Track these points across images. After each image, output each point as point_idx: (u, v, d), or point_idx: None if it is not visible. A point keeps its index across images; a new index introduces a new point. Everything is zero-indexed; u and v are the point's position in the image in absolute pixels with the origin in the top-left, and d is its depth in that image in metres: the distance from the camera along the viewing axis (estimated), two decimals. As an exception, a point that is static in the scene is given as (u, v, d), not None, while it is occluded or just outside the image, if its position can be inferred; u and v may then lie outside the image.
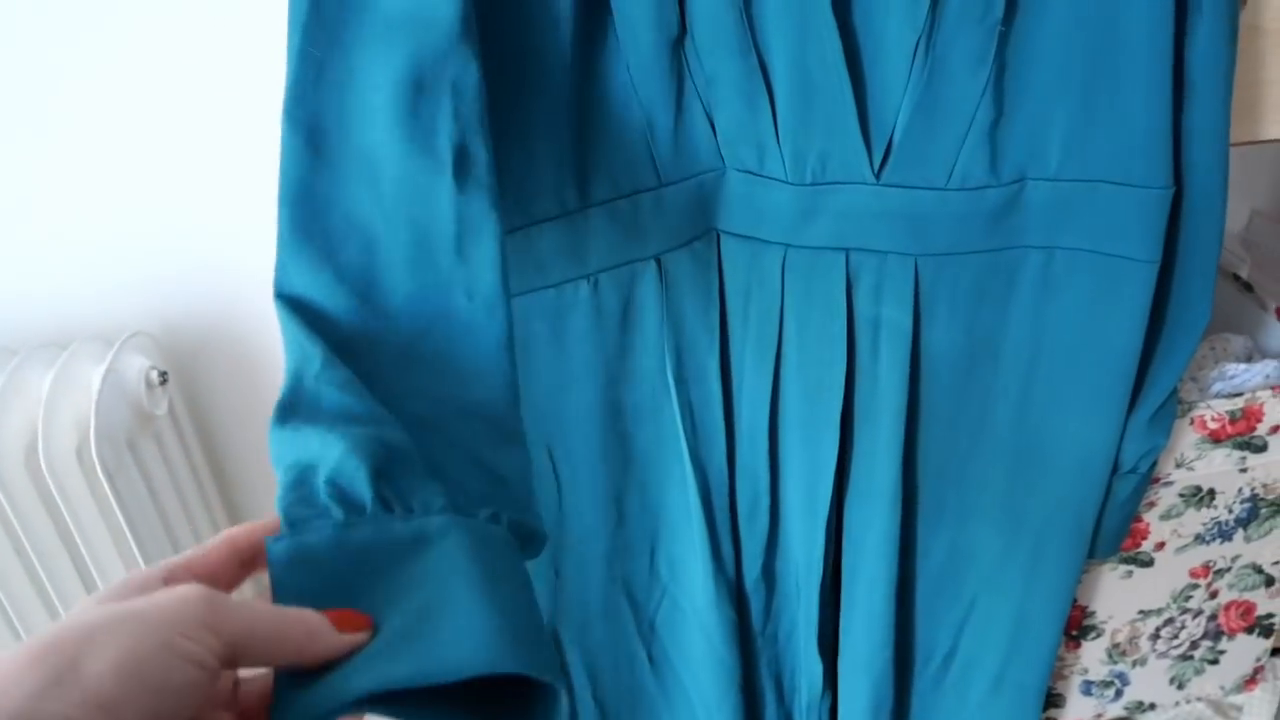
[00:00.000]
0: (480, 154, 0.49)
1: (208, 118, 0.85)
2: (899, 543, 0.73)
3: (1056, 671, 0.94)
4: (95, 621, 0.29)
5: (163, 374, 0.88)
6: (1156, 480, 0.80)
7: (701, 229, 0.65)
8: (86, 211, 0.88)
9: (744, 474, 0.73)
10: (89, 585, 0.88)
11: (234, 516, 1.06)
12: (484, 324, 0.48)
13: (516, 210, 0.59)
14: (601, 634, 0.78)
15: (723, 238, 0.65)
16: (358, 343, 0.45)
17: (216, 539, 0.38)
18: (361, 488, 0.39)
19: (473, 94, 0.48)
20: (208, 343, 0.96)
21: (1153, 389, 0.70)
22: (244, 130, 0.85)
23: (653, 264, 0.64)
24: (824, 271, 0.65)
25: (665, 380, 0.67)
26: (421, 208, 0.47)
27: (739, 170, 0.63)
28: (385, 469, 0.40)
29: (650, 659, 0.81)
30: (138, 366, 0.87)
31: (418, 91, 0.47)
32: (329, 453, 0.40)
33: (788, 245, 0.64)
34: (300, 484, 0.40)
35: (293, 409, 0.42)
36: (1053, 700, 0.96)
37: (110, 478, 0.83)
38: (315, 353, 0.43)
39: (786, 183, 0.62)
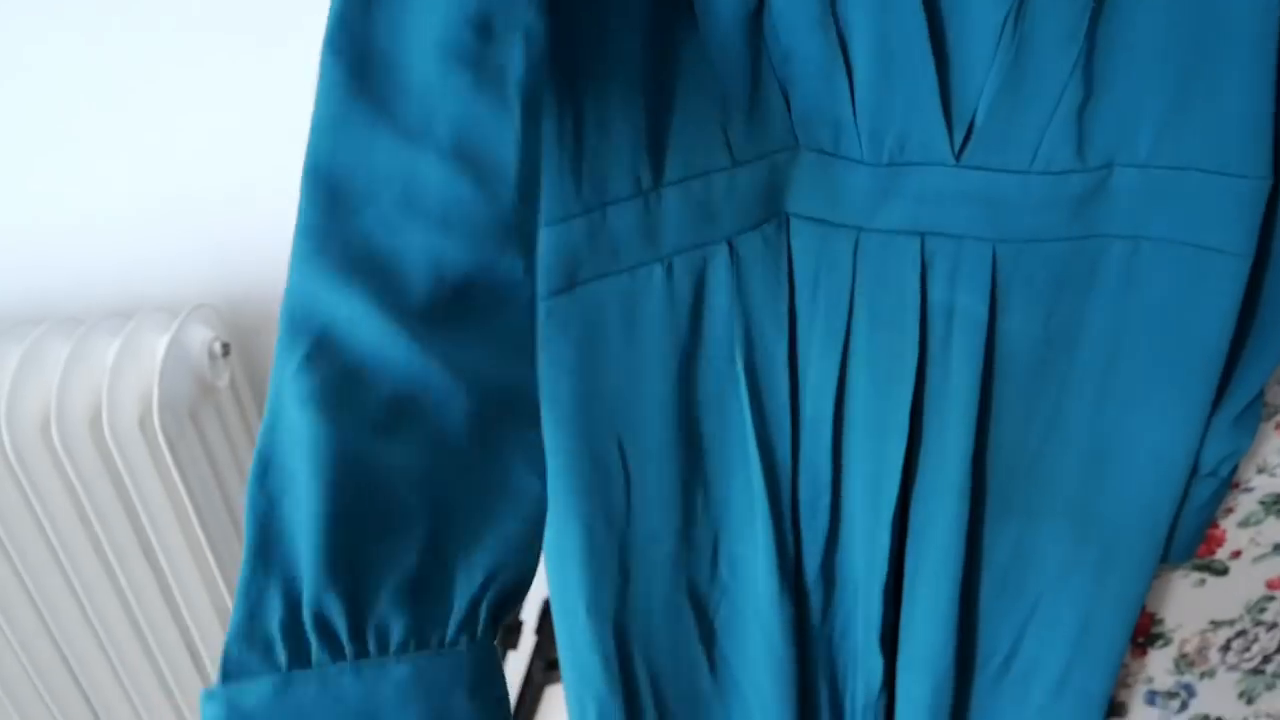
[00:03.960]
0: (541, 112, 0.46)
1: (277, 93, 0.85)
2: (965, 539, 0.71)
3: (1120, 680, 0.91)
4: None
5: (225, 346, 0.88)
6: (1236, 485, 0.77)
7: (772, 211, 0.63)
8: (153, 185, 0.89)
9: (806, 467, 0.71)
10: (148, 551, 0.89)
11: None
12: (528, 289, 0.45)
13: (592, 190, 0.58)
14: (664, 639, 0.77)
15: (793, 221, 0.64)
16: (388, 311, 0.42)
17: None
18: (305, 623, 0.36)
19: (541, 47, 0.46)
20: (270, 317, 0.96)
21: (1238, 389, 0.67)
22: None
23: (724, 247, 0.62)
24: (897, 256, 0.63)
25: (734, 369, 0.66)
26: (486, 150, 0.44)
27: (813, 150, 0.61)
28: (352, 589, 0.37)
29: (710, 663, 0.79)
30: (201, 338, 0.87)
31: (486, 32, 0.44)
32: (296, 559, 0.37)
33: (860, 229, 0.63)
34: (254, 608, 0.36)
35: (267, 456, 0.39)
36: (1115, 709, 0.94)
37: (172, 447, 0.83)
38: (296, 355, 0.41)
39: (862, 163, 0.60)
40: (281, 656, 0.36)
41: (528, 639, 1.07)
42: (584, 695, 0.77)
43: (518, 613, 0.41)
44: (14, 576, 0.89)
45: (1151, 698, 0.93)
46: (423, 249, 0.43)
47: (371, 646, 0.37)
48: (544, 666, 1.06)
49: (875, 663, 0.78)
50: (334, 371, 0.40)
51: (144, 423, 0.83)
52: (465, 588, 0.39)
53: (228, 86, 0.85)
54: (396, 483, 0.39)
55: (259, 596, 0.36)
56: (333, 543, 0.37)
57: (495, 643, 0.40)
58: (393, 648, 0.37)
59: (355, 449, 0.38)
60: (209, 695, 0.34)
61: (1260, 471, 0.77)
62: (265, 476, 0.38)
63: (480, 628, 0.39)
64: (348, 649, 0.36)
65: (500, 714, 0.39)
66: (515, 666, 1.10)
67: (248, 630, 0.36)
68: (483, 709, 0.37)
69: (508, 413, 0.43)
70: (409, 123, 0.44)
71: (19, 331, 0.85)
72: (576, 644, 0.75)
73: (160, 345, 0.84)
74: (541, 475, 0.44)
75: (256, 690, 0.34)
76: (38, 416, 0.82)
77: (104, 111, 0.85)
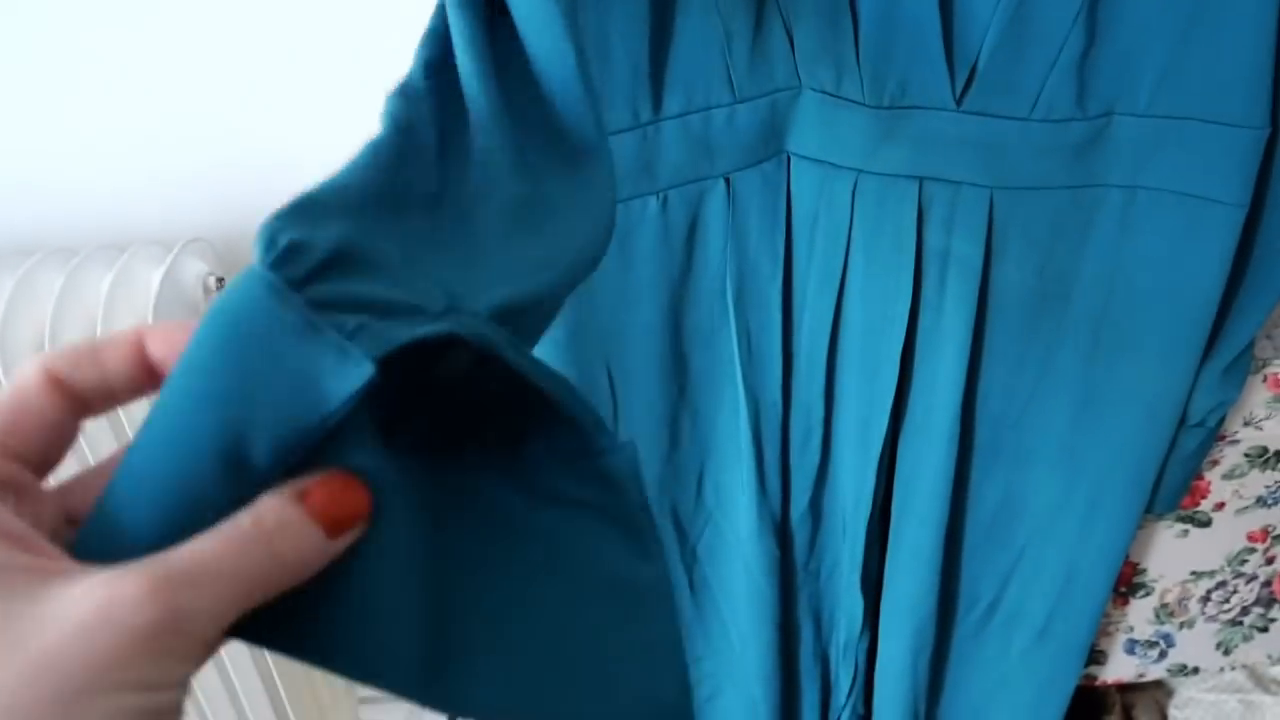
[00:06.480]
0: None
1: (276, 26, 0.84)
2: (952, 484, 0.72)
3: (1101, 628, 0.93)
4: None
5: (220, 280, 0.88)
6: (1223, 437, 0.78)
7: (773, 150, 0.63)
8: (149, 115, 0.88)
9: (799, 405, 0.71)
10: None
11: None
12: None
13: None
14: None
15: (793, 161, 0.64)
16: None
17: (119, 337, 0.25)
18: None
19: None
20: (265, 253, 0.96)
21: (1228, 340, 0.68)
22: (314, 40, 0.84)
23: (721, 183, 0.62)
24: (895, 200, 0.63)
25: (725, 304, 0.66)
26: None
27: (815, 90, 0.61)
28: None
29: (690, 585, 0.80)
30: (195, 272, 0.87)
31: None
32: None
33: (860, 171, 0.63)
34: None
35: None
36: (1095, 657, 0.95)
37: (165, 380, 0.83)
38: None
39: (863, 105, 0.60)
40: None
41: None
42: None
43: None
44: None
45: (1131, 646, 0.95)
46: None
47: None
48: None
49: (857, 603, 0.79)
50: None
51: (138, 355, 0.83)
52: None
53: (228, 17, 0.84)
54: None
55: None
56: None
57: None
58: None
59: None
60: None
61: (1246, 424, 0.78)
62: None
63: None
64: None
65: None
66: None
67: None
68: None
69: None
70: None
71: (12, 261, 0.84)
72: None
73: (154, 279, 0.83)
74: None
75: None
76: (30, 345, 0.82)
77: (104, 43, 0.84)
